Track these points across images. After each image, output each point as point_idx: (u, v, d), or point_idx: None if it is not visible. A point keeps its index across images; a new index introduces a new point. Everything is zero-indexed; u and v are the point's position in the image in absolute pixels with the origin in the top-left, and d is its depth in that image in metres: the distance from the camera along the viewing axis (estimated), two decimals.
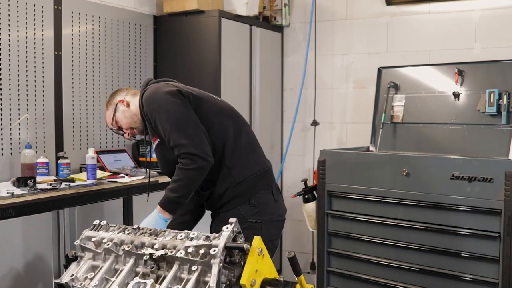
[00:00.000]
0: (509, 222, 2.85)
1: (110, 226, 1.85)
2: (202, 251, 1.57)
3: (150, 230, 1.76)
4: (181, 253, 1.59)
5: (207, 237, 1.62)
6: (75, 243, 1.83)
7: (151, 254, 1.63)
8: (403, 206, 3.23)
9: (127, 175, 3.27)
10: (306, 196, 3.58)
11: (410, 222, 3.20)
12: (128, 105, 2.38)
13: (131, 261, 1.68)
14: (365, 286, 3.39)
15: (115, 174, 3.29)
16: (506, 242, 2.87)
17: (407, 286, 3.23)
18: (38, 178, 2.90)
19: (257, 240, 1.54)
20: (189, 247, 1.59)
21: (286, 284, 1.59)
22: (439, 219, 3.11)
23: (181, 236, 1.66)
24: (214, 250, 1.53)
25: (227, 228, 1.57)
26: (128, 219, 3.09)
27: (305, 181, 3.61)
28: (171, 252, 1.61)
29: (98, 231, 1.82)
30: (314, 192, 3.56)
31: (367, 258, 3.38)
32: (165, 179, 3.33)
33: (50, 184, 2.78)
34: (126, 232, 1.78)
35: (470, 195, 2.97)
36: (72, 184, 2.90)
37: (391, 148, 3.75)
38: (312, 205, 3.57)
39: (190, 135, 2.13)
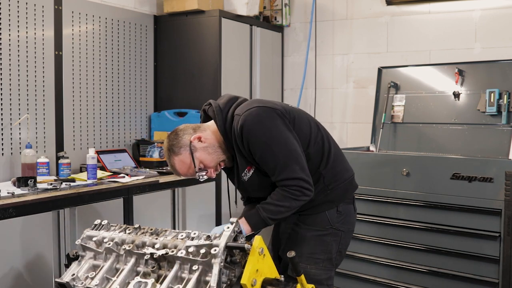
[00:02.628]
0: (509, 222, 2.85)
1: (112, 225, 1.85)
2: (203, 250, 1.57)
3: (151, 229, 1.76)
4: (182, 253, 1.59)
5: (208, 236, 1.63)
6: (76, 242, 1.83)
7: (152, 254, 1.63)
8: (403, 206, 3.23)
9: (127, 175, 3.27)
10: None
11: (410, 222, 3.21)
12: (204, 140, 2.09)
13: (132, 260, 1.68)
14: (365, 286, 3.40)
15: (115, 174, 3.29)
16: (506, 242, 2.87)
17: (407, 285, 3.23)
18: (39, 178, 2.90)
19: (258, 240, 1.54)
20: (190, 246, 1.60)
21: (286, 284, 1.59)
22: (439, 219, 3.11)
23: (182, 235, 1.66)
24: (215, 250, 1.54)
25: (228, 228, 1.58)
26: (128, 219, 3.09)
27: None
28: (172, 251, 1.61)
29: (99, 230, 1.82)
30: None
31: (367, 257, 3.38)
32: (166, 179, 3.34)
33: (51, 184, 2.78)
34: (127, 231, 1.78)
35: (470, 195, 2.97)
36: (72, 184, 2.90)
37: (391, 148, 3.75)
38: None
39: (302, 167, 2.02)
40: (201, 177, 2.11)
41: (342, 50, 4.34)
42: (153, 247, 1.66)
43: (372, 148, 3.80)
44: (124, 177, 3.21)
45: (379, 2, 4.16)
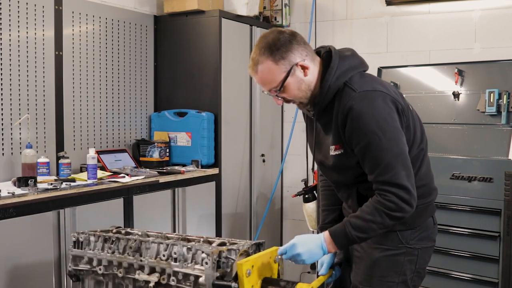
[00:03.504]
0: (509, 222, 2.85)
1: (90, 235, 1.89)
2: (192, 278, 1.65)
3: (131, 241, 1.80)
4: (173, 280, 1.67)
5: (188, 249, 1.68)
6: (69, 268, 1.88)
7: (146, 282, 1.71)
8: None
9: (127, 175, 3.27)
10: (306, 196, 3.58)
11: None
12: (306, 74, 1.79)
13: (130, 287, 1.78)
14: None
15: (115, 174, 3.29)
16: (506, 242, 2.87)
17: None
18: (39, 178, 2.90)
19: (240, 267, 1.54)
20: (178, 273, 1.67)
21: (286, 284, 1.60)
22: (439, 219, 3.08)
23: (163, 255, 1.72)
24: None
25: (207, 263, 1.60)
26: (128, 219, 3.10)
27: (305, 181, 3.62)
28: (163, 280, 1.69)
29: (82, 248, 1.88)
30: (314, 191, 3.56)
31: None
32: (166, 179, 3.34)
33: (51, 184, 2.78)
34: (108, 247, 1.83)
35: (470, 195, 2.98)
36: (72, 184, 2.91)
37: None
38: (312, 205, 3.57)
39: (409, 174, 1.70)
40: (269, 94, 1.81)
41: None
42: (143, 270, 1.74)
43: None
44: (124, 177, 3.21)
45: (379, 2, 4.16)
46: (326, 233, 1.73)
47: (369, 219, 1.68)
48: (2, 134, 3.04)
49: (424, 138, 1.97)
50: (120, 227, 2.06)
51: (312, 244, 1.72)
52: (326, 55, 1.84)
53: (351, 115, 1.70)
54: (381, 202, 1.68)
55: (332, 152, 1.80)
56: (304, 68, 1.77)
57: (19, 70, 3.11)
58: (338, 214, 2.02)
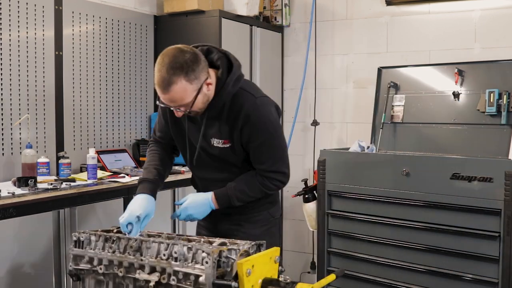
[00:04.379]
0: (509, 222, 2.85)
1: (91, 234, 1.89)
2: (192, 277, 1.64)
3: (132, 241, 1.80)
4: (173, 280, 1.66)
5: (189, 248, 1.68)
6: (69, 267, 1.88)
7: (147, 281, 1.71)
8: (403, 206, 3.23)
9: (127, 175, 3.27)
10: (307, 196, 3.58)
11: (410, 221, 3.21)
12: (209, 88, 1.98)
13: (131, 286, 1.78)
14: (365, 286, 3.40)
15: (115, 174, 3.29)
16: (506, 242, 2.87)
17: (407, 285, 3.23)
18: (39, 178, 2.91)
19: (240, 266, 1.54)
20: (178, 272, 1.66)
21: (286, 284, 1.60)
22: (439, 219, 3.11)
23: (164, 255, 1.71)
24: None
25: (207, 262, 1.60)
26: None
27: (305, 181, 3.62)
28: (164, 279, 1.68)
29: (83, 248, 1.87)
30: (314, 191, 3.57)
31: (367, 257, 3.38)
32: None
33: (51, 184, 2.78)
34: (109, 246, 1.84)
35: (470, 195, 2.97)
36: (72, 184, 2.91)
37: (391, 148, 3.75)
38: (312, 205, 3.57)
39: (288, 164, 2.18)
40: (175, 109, 1.98)
41: (342, 50, 4.35)
42: (143, 270, 1.73)
43: (372, 148, 3.80)
44: (124, 177, 3.22)
45: (379, 2, 4.16)
46: (212, 196, 2.11)
47: (252, 196, 2.12)
48: (2, 134, 3.04)
49: None
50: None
51: (202, 207, 2.12)
52: (221, 61, 2.02)
53: (253, 116, 2.00)
54: (266, 185, 2.11)
55: (220, 145, 2.08)
56: (208, 84, 1.96)
57: (19, 70, 3.12)
58: (158, 173, 2.25)
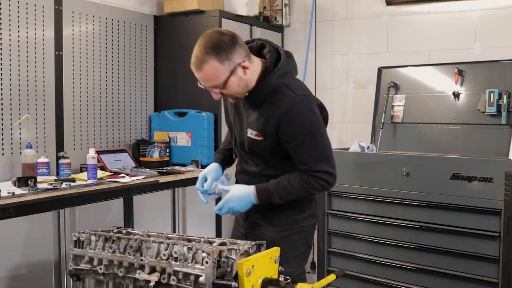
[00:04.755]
0: (509, 222, 2.85)
1: (91, 234, 1.89)
2: (192, 277, 1.64)
3: (132, 241, 1.79)
4: (173, 280, 1.67)
5: (189, 248, 1.68)
6: (69, 267, 1.88)
7: (147, 281, 1.71)
8: (403, 206, 3.23)
9: (127, 175, 3.27)
10: None
11: (410, 221, 3.21)
12: (246, 73, 1.98)
13: (131, 286, 1.78)
14: (365, 286, 3.40)
15: (115, 174, 3.29)
16: (506, 242, 2.87)
17: (407, 285, 3.23)
18: (39, 178, 2.90)
19: (240, 266, 1.54)
20: (178, 272, 1.66)
21: (286, 284, 1.60)
22: (439, 219, 3.11)
23: (164, 255, 1.71)
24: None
25: (207, 262, 1.60)
26: (128, 219, 3.10)
27: None
28: (164, 279, 1.68)
29: (83, 248, 1.87)
30: None
31: (367, 257, 3.38)
32: (166, 179, 3.34)
33: (51, 184, 2.78)
34: (109, 246, 1.83)
35: (470, 195, 2.98)
36: (72, 184, 2.91)
37: (391, 148, 3.75)
38: None
39: (334, 164, 2.09)
40: (209, 89, 1.99)
41: (342, 50, 4.35)
42: (143, 270, 1.73)
43: (372, 148, 3.80)
44: (124, 177, 3.21)
45: (379, 2, 4.16)
46: (254, 191, 2.08)
47: (294, 194, 2.05)
48: (2, 134, 3.04)
49: None
50: (121, 227, 2.06)
51: (244, 200, 2.09)
52: (270, 54, 2.05)
53: (291, 114, 1.98)
54: (310, 183, 2.03)
55: (252, 136, 2.06)
56: (245, 68, 1.96)
57: (19, 70, 3.11)
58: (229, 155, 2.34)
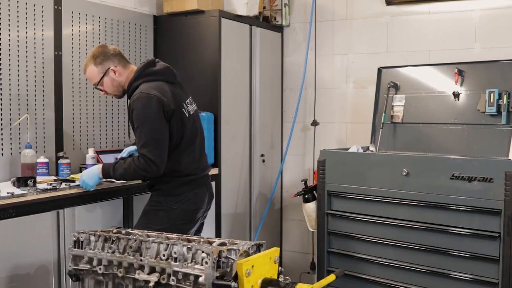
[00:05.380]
0: (509, 222, 2.85)
1: (90, 234, 1.88)
2: (192, 277, 1.64)
3: (132, 241, 1.79)
4: (173, 280, 1.68)
5: (189, 248, 1.66)
6: (69, 267, 1.88)
7: (146, 281, 1.72)
8: (403, 206, 3.23)
9: None
10: (306, 196, 3.58)
11: (410, 222, 3.21)
12: (119, 75, 2.76)
13: (130, 287, 1.79)
14: (365, 286, 3.40)
15: None
16: (506, 242, 2.87)
17: (407, 285, 3.23)
18: (38, 178, 2.90)
19: (240, 266, 1.54)
20: (178, 272, 1.66)
21: (286, 284, 1.60)
22: (439, 219, 3.11)
23: (163, 255, 1.69)
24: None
25: (207, 263, 1.59)
26: (128, 219, 3.10)
27: (305, 181, 3.61)
28: (163, 279, 1.70)
29: (83, 248, 1.87)
30: (314, 192, 3.57)
31: (367, 258, 3.38)
32: None
33: (50, 184, 2.78)
34: (109, 246, 1.82)
35: (470, 195, 2.97)
36: (72, 184, 2.90)
37: (391, 148, 3.75)
38: (312, 205, 3.57)
39: (159, 152, 2.62)
40: (95, 87, 2.83)
41: (342, 50, 4.35)
42: (143, 270, 1.74)
43: (371, 148, 3.80)
44: None
45: (379, 2, 4.16)
46: (100, 167, 2.75)
47: (124, 168, 2.65)
48: (2, 134, 3.03)
49: (189, 134, 2.75)
50: (121, 227, 2.07)
51: (92, 174, 2.75)
52: (141, 65, 2.76)
53: (131, 106, 2.64)
54: (135, 162, 2.61)
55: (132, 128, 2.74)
56: (115, 71, 2.75)
57: (18, 70, 3.11)
58: None
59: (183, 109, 2.73)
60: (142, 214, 2.84)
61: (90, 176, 2.74)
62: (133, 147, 2.88)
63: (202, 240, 1.83)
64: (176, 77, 2.81)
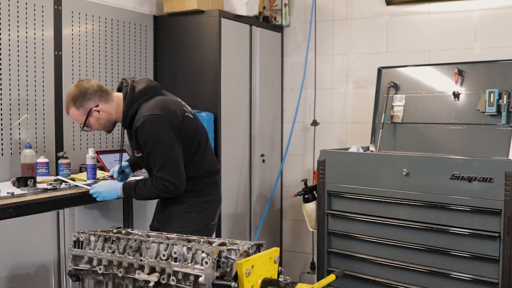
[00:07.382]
0: (509, 222, 2.85)
1: (90, 234, 1.88)
2: (192, 277, 1.64)
3: (131, 241, 1.79)
4: (173, 280, 1.68)
5: (188, 248, 1.66)
6: (69, 267, 1.88)
7: (146, 281, 1.72)
8: (403, 206, 3.23)
9: None
10: (306, 196, 3.58)
11: (410, 222, 3.21)
12: (102, 113, 2.61)
13: (130, 287, 1.79)
14: (365, 286, 3.40)
15: None
16: (506, 242, 2.87)
17: (407, 285, 3.23)
18: (38, 178, 2.90)
19: (240, 266, 1.54)
20: (178, 272, 1.66)
21: (286, 284, 1.60)
22: (439, 219, 3.11)
23: (163, 255, 1.70)
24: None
25: (207, 263, 1.59)
26: (128, 219, 3.09)
27: (305, 181, 3.61)
28: (163, 279, 1.70)
29: (83, 248, 1.87)
30: (314, 192, 3.57)
31: (367, 258, 3.38)
32: None
33: (50, 184, 2.78)
34: (109, 246, 1.83)
35: (470, 195, 2.97)
36: (72, 184, 2.90)
37: (391, 148, 3.75)
38: (312, 205, 3.57)
39: (177, 172, 2.56)
40: (83, 130, 2.70)
41: (342, 50, 4.35)
42: (143, 270, 1.74)
43: (371, 148, 3.80)
44: None
45: (379, 2, 4.16)
46: (121, 186, 2.67)
47: (146, 192, 2.59)
48: (2, 134, 3.03)
49: (201, 133, 2.72)
50: (121, 227, 2.06)
51: (111, 189, 2.69)
52: (125, 90, 2.60)
53: (139, 132, 2.51)
54: (154, 185, 2.55)
55: (136, 154, 2.68)
56: (98, 111, 2.60)
57: (18, 70, 3.11)
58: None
59: (187, 113, 2.65)
60: (171, 219, 2.70)
61: (110, 192, 2.69)
62: (123, 163, 2.90)
63: (202, 240, 1.83)
64: (160, 87, 2.72)
